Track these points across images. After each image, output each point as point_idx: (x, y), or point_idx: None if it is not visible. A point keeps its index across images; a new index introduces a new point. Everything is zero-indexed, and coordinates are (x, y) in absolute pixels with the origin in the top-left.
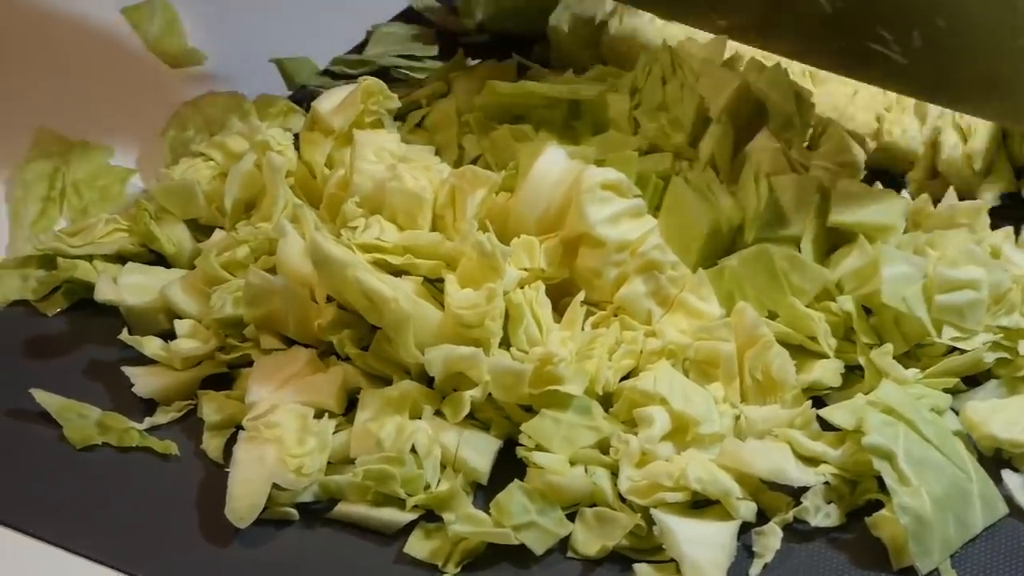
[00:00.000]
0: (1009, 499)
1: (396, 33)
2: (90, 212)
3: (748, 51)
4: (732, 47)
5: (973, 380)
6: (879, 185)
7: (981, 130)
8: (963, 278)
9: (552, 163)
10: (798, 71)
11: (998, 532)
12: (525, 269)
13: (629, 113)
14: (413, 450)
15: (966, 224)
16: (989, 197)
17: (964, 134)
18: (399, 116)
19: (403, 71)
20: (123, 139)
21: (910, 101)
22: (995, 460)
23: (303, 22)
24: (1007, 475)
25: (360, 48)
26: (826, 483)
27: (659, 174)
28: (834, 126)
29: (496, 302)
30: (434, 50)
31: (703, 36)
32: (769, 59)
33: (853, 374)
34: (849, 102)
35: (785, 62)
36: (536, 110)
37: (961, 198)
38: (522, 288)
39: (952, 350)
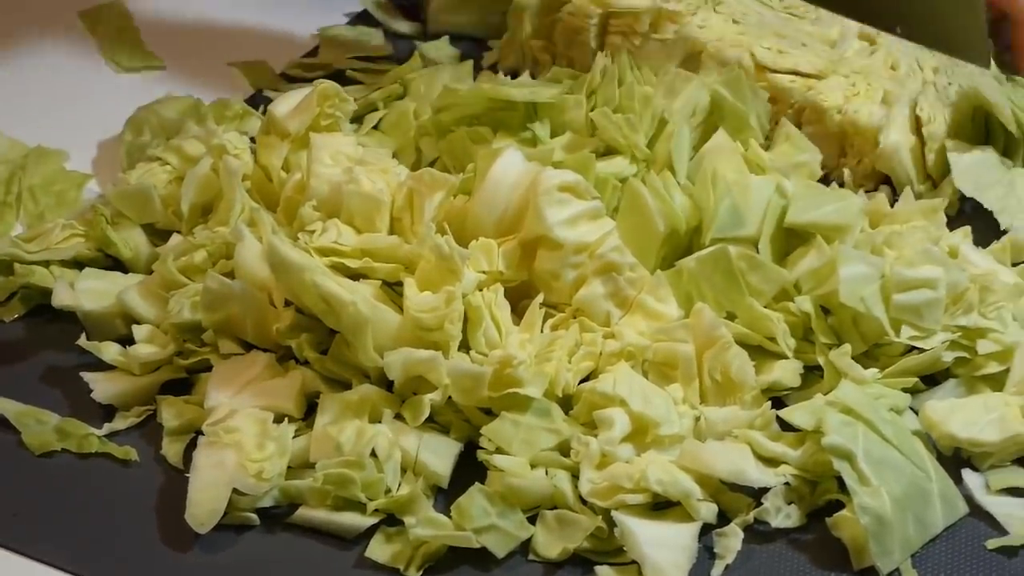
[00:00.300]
0: (969, 498)
1: (345, 36)
2: (46, 217)
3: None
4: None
5: (931, 379)
6: (835, 185)
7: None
8: (920, 277)
9: (510, 165)
10: (768, 60)
11: (959, 532)
12: (483, 272)
13: (586, 115)
14: (373, 454)
15: (923, 224)
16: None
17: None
18: (355, 119)
19: (358, 73)
20: (79, 144)
21: (879, 88)
22: (954, 459)
23: (256, 26)
24: (967, 475)
25: (313, 52)
26: (786, 484)
27: (616, 176)
28: (787, 126)
29: (455, 305)
30: (388, 51)
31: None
32: (726, 57)
33: (812, 374)
34: (815, 86)
35: (745, 58)
36: (493, 112)
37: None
38: (481, 291)
39: (910, 350)
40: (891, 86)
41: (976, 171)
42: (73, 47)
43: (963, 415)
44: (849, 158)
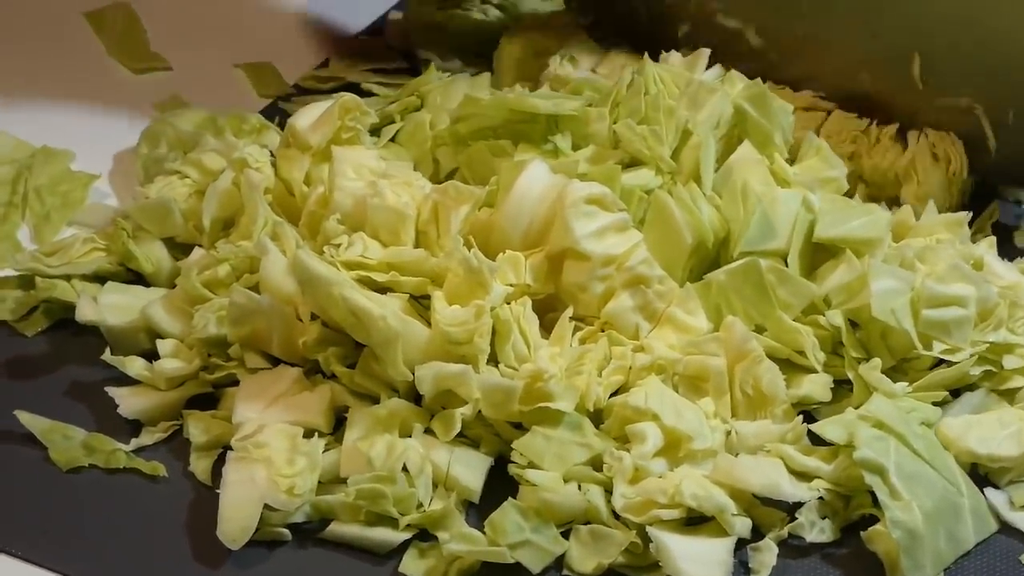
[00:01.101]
0: (996, 515)
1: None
2: (52, 218)
3: None
4: None
5: (956, 392)
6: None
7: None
8: (951, 294)
9: (535, 178)
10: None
11: (991, 547)
12: (511, 285)
13: (609, 127)
14: (404, 469)
15: (947, 236)
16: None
17: (938, 156)
18: (373, 131)
19: (373, 86)
20: (85, 144)
21: (888, 129)
22: (972, 476)
23: (265, 32)
24: (989, 492)
25: (325, 63)
26: (820, 498)
27: (642, 188)
28: (817, 141)
29: (484, 319)
30: (401, 63)
31: None
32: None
33: (841, 388)
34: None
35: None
36: (513, 125)
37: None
38: (508, 304)
39: (938, 363)
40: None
41: None
42: (79, 47)
43: (979, 431)
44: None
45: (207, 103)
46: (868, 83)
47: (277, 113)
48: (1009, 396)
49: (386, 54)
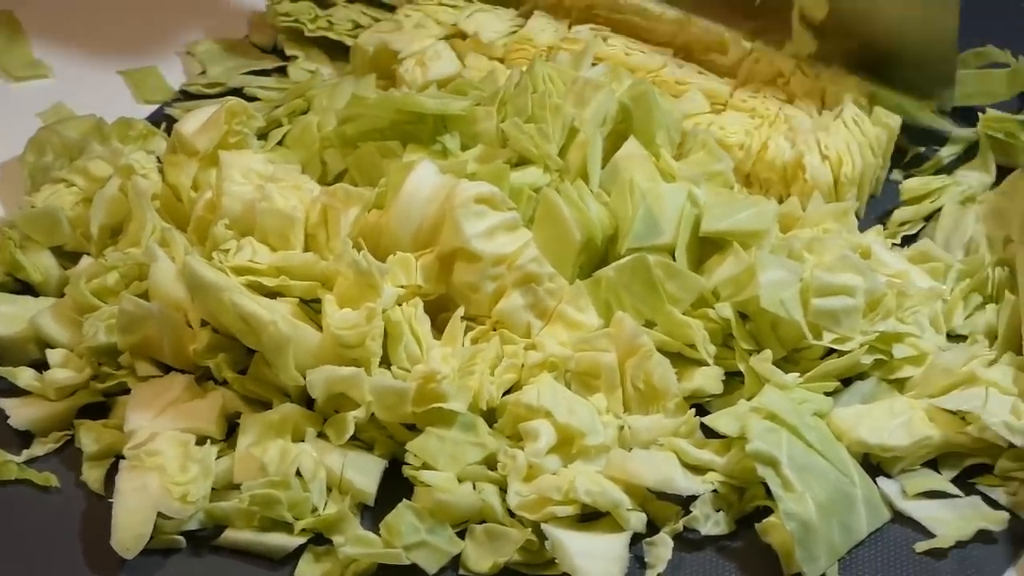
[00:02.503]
0: (890, 505)
1: (212, 50)
2: None
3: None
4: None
5: (848, 382)
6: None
7: (850, 158)
8: (840, 284)
9: (424, 178)
10: (669, 79)
11: (884, 536)
12: (402, 286)
13: (497, 126)
14: (298, 473)
15: (836, 227)
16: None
17: (829, 158)
18: (260, 135)
19: (257, 90)
20: None
21: (781, 123)
22: (864, 465)
23: (146, 37)
24: (882, 482)
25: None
26: (714, 491)
27: (531, 186)
28: (704, 135)
29: (376, 321)
30: (274, 60)
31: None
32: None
33: (733, 380)
34: (716, 118)
35: (652, 71)
36: (400, 125)
37: None
38: (400, 305)
39: (829, 353)
40: (794, 112)
41: None
42: None
43: (870, 421)
44: (753, 189)
45: (90, 110)
46: None
47: (164, 119)
48: (899, 385)
49: (254, 52)
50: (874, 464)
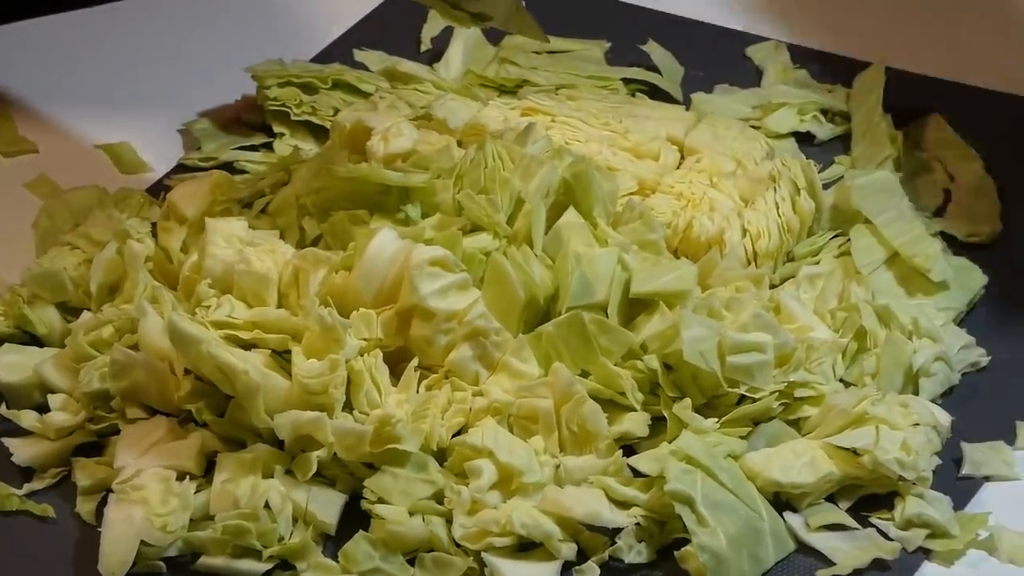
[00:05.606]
0: (795, 536)
1: (207, 128)
2: None
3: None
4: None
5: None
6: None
7: (767, 234)
8: (752, 342)
9: (385, 243)
10: (609, 155)
11: (790, 565)
12: (364, 339)
13: (454, 197)
14: (267, 506)
15: (746, 285)
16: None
17: (749, 232)
18: (246, 204)
19: (245, 164)
20: None
21: (708, 199)
22: (774, 503)
23: (124, 116)
24: (788, 516)
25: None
26: (637, 524)
27: (481, 250)
28: (641, 206)
29: (339, 371)
30: (263, 137)
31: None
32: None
33: (659, 424)
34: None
35: (594, 147)
36: (370, 195)
37: None
38: (362, 356)
39: (744, 399)
40: (717, 195)
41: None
42: None
43: (779, 462)
44: None
45: (75, 182)
46: None
47: (162, 189)
48: (798, 425)
49: (244, 130)
50: (783, 500)
